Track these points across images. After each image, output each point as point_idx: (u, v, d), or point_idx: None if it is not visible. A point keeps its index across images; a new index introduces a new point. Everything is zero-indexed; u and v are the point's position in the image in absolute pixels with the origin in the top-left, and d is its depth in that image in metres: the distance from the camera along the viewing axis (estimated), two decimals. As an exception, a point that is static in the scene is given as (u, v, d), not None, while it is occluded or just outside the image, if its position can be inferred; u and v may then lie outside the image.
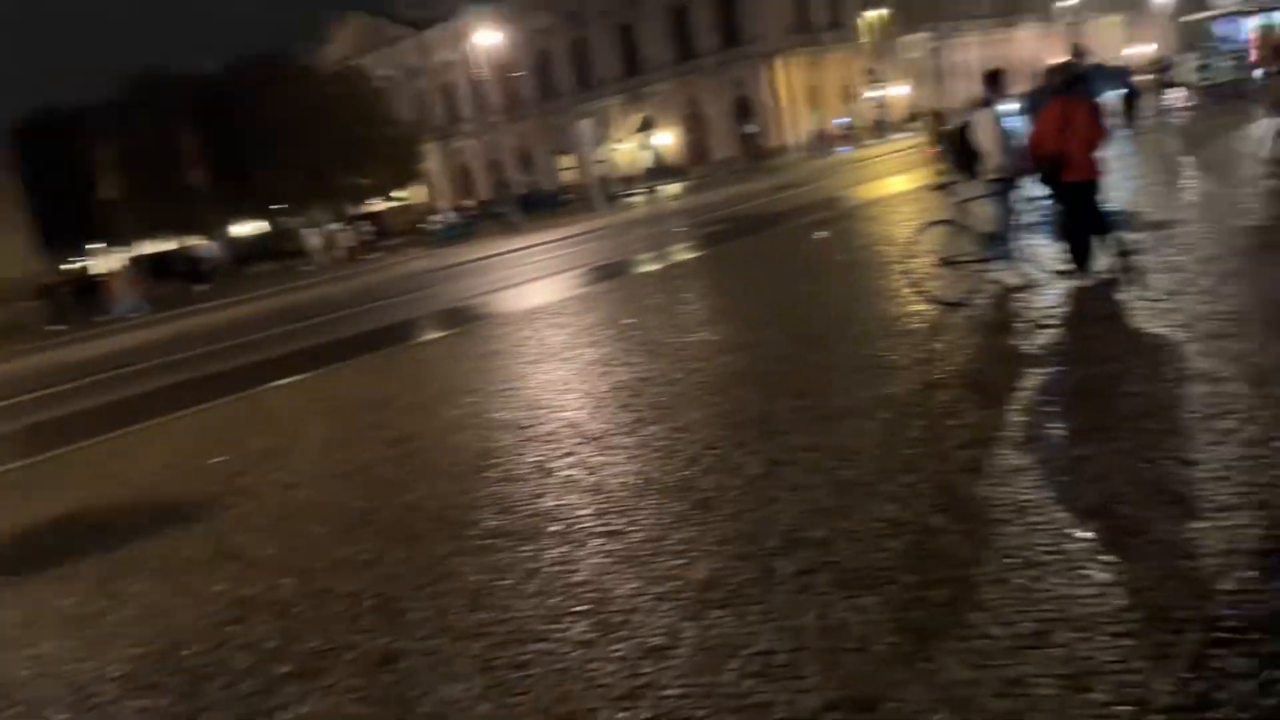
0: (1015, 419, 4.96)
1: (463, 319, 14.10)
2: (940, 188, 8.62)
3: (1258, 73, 15.44)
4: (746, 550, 3.99)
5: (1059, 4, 60.12)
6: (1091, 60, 23.41)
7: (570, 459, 5.80)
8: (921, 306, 8.13)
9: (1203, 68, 26.97)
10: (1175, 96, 26.30)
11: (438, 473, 6.15)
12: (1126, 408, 4.71)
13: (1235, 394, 4.57)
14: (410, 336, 13.32)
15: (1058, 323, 6.85)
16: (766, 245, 15.85)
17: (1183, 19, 39.68)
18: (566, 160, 69.22)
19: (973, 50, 68.62)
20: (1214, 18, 28.93)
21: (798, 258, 13.22)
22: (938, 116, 25.49)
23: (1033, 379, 5.63)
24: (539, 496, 5.23)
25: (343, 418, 8.62)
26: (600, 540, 4.44)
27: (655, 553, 4.18)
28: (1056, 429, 4.67)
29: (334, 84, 50.73)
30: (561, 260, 21.18)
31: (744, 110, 58.37)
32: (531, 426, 6.77)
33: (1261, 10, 28.16)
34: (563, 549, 4.43)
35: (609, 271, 16.54)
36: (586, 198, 44.60)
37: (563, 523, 4.76)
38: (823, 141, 54.41)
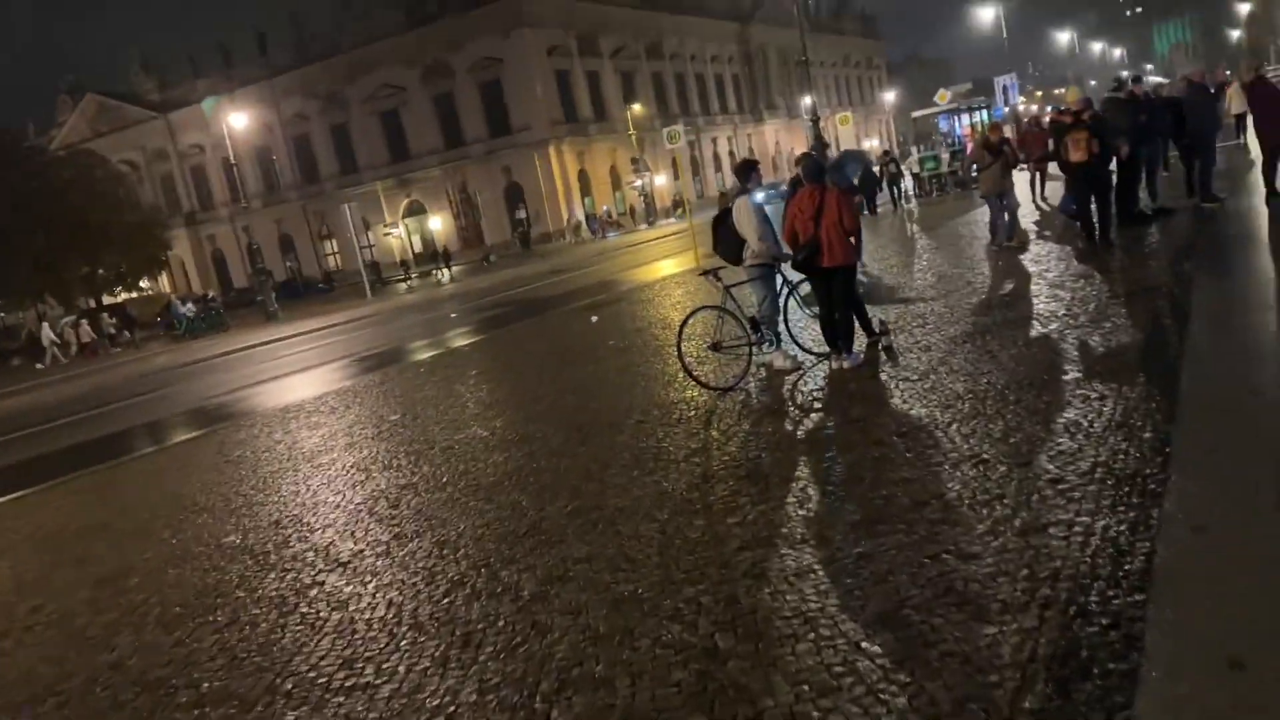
0: (794, 513, 4.75)
1: (204, 421, 12.69)
2: (706, 274, 8.62)
3: (974, 167, 17.10)
4: (516, 700, 3.44)
5: (801, 100, 65.56)
6: (831, 151, 25.33)
7: (314, 592, 5.02)
8: (694, 392, 8.00)
9: (927, 160, 29.89)
10: (905, 186, 28.91)
11: (150, 620, 5.14)
12: (902, 496, 4.62)
13: (1003, 477, 4.58)
14: (140, 445, 11.78)
15: (825, 406, 6.87)
16: (541, 330, 15.54)
17: (912, 115, 44.13)
18: (331, 245, 66.83)
19: (725, 142, 73.48)
20: (935, 114, 32.29)
21: (572, 343, 12.96)
22: (724, 197, 26.54)
23: (807, 467, 5.50)
24: (272, 644, 4.42)
25: (44, 552, 7.26)
26: (341, 700, 3.72)
27: (407, 710, 3.53)
28: (836, 523, 4.49)
29: (65, 167, 46.26)
30: (324, 351, 19.88)
31: (516, 195, 58.87)
32: (271, 552, 5.89)
33: (971, 109, 31.80)
34: (295, 716, 3.67)
35: (375, 362, 15.59)
36: (353, 283, 42.87)
37: (298, 678, 4.00)
38: (594, 226, 55.73)
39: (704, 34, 72.38)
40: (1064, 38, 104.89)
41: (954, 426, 5.58)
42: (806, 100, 60.42)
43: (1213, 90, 13.20)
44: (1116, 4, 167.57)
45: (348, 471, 7.76)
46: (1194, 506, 3.72)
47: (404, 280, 48.77)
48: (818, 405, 6.92)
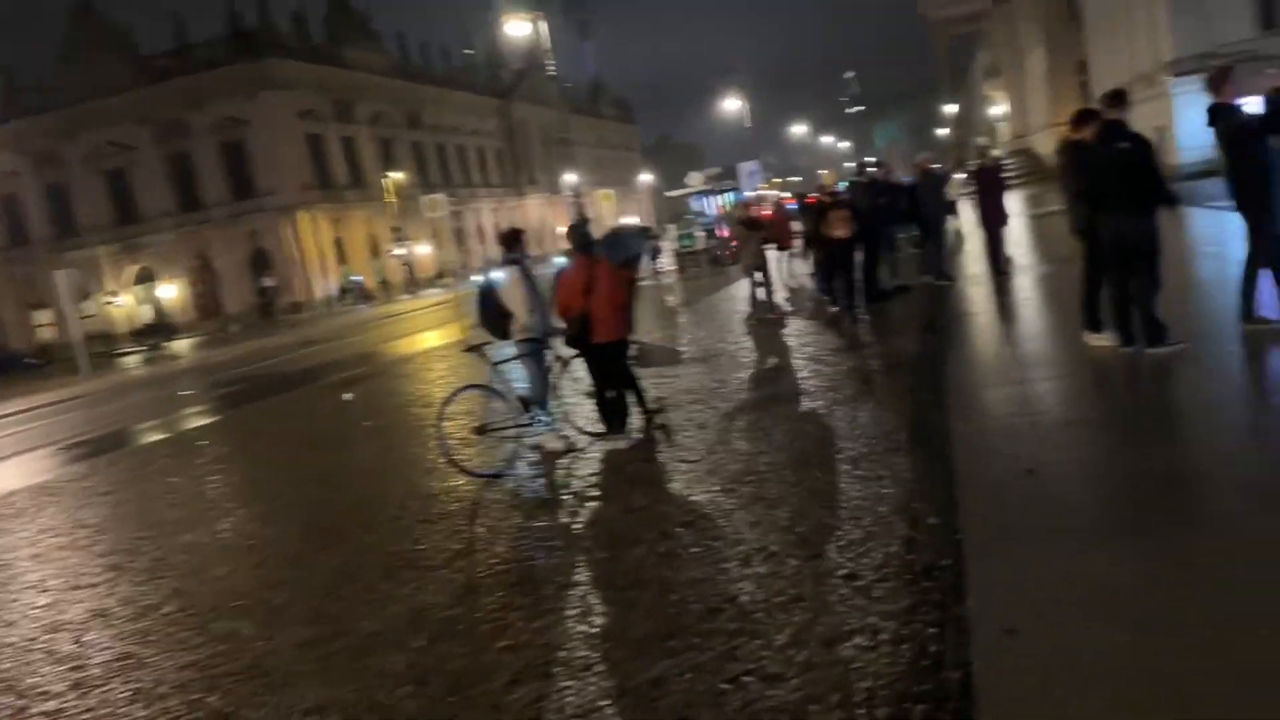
0: (574, 629, 4.13)
1: None
2: (471, 349, 7.95)
3: (733, 244, 17.64)
4: None
5: (562, 177, 66.82)
6: (590, 226, 25.50)
7: (-58, 780, 3.77)
8: (458, 481, 7.24)
9: (683, 236, 30.90)
10: (662, 261, 29.64)
11: None
12: (693, 601, 4.13)
13: (796, 573, 4.21)
14: None
15: (600, 493, 6.34)
16: (286, 410, 14.09)
17: (666, 194, 45.83)
18: (44, 315, 59.37)
19: (488, 214, 73.34)
20: (688, 195, 33.60)
21: (321, 424, 11.75)
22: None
23: (586, 569, 4.91)
24: None
25: None
26: None
27: None
28: (623, 641, 3.92)
29: None
30: (20, 439, 17.06)
31: (262, 263, 55.17)
32: (-109, 721, 4.48)
33: (721, 191, 33.40)
34: None
35: (82, 452, 13.43)
36: (69, 358, 38.03)
37: None
38: (351, 296, 53.24)
39: (464, 107, 72.34)
40: (800, 129, 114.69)
41: (739, 514, 5.22)
42: (568, 177, 61.62)
43: (941, 176, 14.32)
44: (840, 103, 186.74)
45: (24, 595, 6.28)
46: (1000, 605, 3.47)
47: (131, 353, 44.01)
48: (595, 492, 6.38)
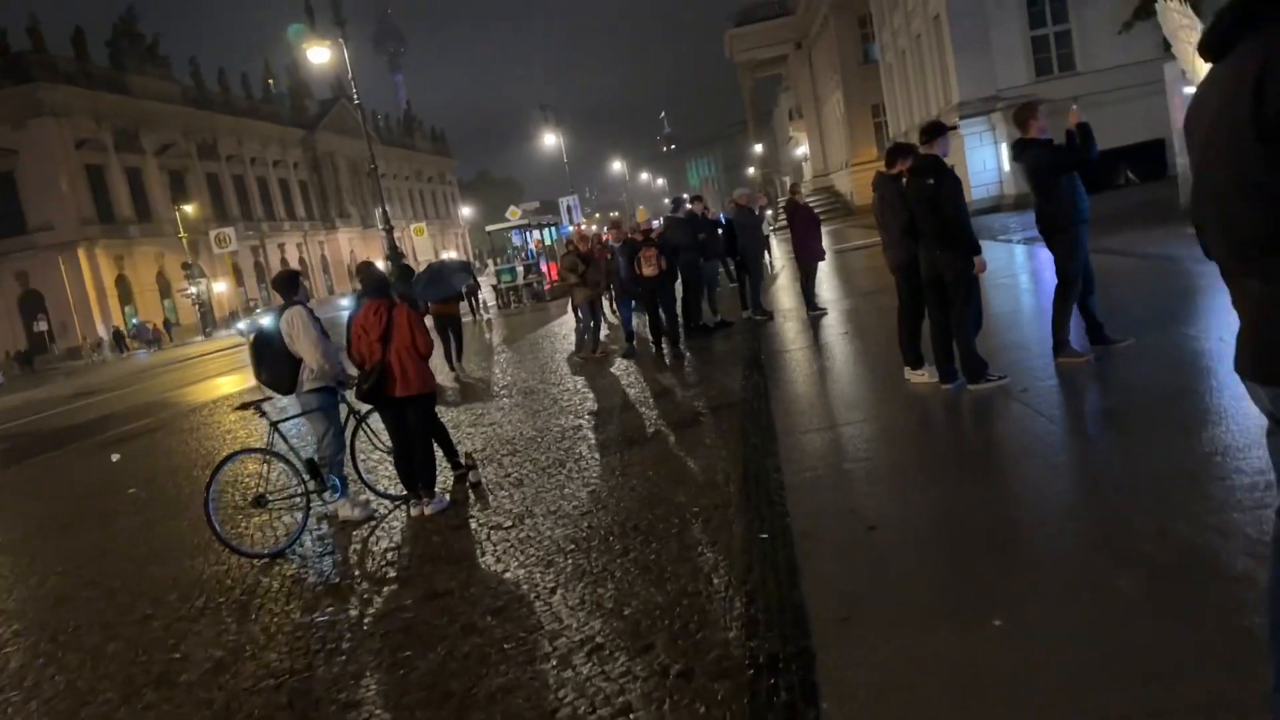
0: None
1: None
2: (247, 406, 6.90)
3: (569, 277, 17.00)
4: None
5: (376, 210, 64.42)
6: (405, 261, 24.36)
7: None
8: (231, 563, 6.20)
9: (504, 272, 30.14)
10: (482, 297, 28.77)
11: None
12: None
13: (626, 674, 3.58)
14: None
15: (403, 574, 5.50)
16: (42, 477, 12.24)
17: (486, 229, 44.87)
18: None
19: (294, 249, 69.76)
20: (508, 229, 32.86)
21: (80, 494, 10.17)
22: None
23: (376, 679, 4.09)
24: None
25: None
26: None
27: None
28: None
29: None
30: None
31: (34, 305, 49.83)
32: None
33: (541, 225, 32.87)
34: None
35: None
36: None
37: None
38: (135, 339, 48.89)
39: (265, 137, 68.75)
40: (617, 165, 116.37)
41: (559, 594, 4.55)
42: (381, 209, 59.44)
43: (756, 212, 14.31)
44: (656, 141, 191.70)
45: None
46: (856, 707, 2.97)
47: None
48: (393, 573, 5.53)
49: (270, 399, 6.97)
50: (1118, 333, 7.27)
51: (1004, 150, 27.40)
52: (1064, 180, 6.88)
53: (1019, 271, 14.06)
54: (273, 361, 6.80)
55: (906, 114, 36.87)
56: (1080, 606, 3.36)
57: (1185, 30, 13.48)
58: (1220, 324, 7.71)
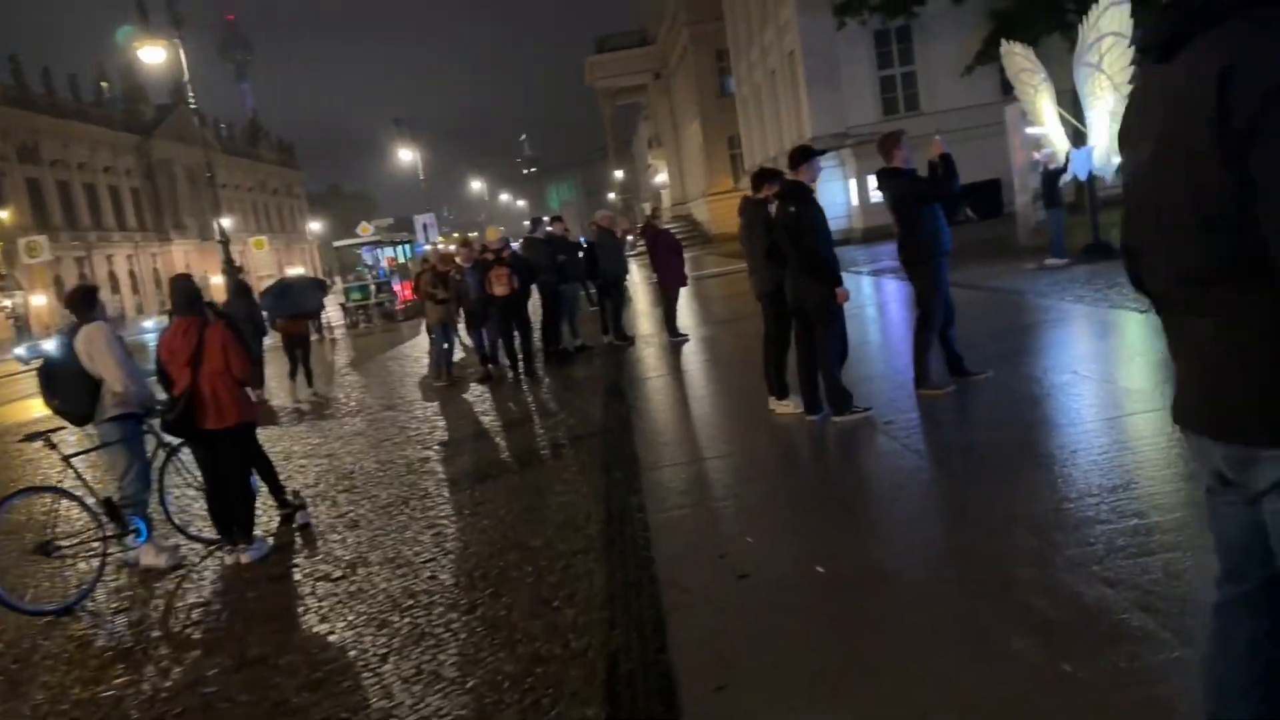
0: None
1: None
2: (33, 437, 5.95)
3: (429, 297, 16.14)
4: None
5: (215, 222, 60.85)
6: (244, 276, 22.86)
7: None
8: (8, 622, 5.26)
9: (353, 290, 28.81)
10: (328, 316, 27.37)
11: None
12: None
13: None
14: None
15: (205, 635, 4.75)
16: None
17: (334, 244, 43.02)
18: None
19: (124, 261, 65.09)
20: (359, 246, 31.46)
21: None
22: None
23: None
24: None
25: None
26: None
27: None
28: None
29: None
30: None
31: None
32: None
33: (395, 243, 31.65)
34: None
35: None
36: None
37: None
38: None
39: (94, 141, 63.93)
40: (477, 185, 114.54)
41: (391, 662, 3.95)
42: (221, 221, 56.26)
43: (618, 235, 14.00)
44: (517, 163, 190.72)
45: None
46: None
47: None
48: (198, 634, 4.77)
49: (62, 428, 6.04)
50: (976, 365, 7.27)
51: (853, 185, 28.25)
52: (926, 211, 6.84)
53: (867, 304, 14.30)
54: (66, 386, 5.91)
55: (761, 147, 37.72)
56: (976, 675, 3.06)
57: (1027, 74, 14.09)
58: (1071, 357, 7.86)
